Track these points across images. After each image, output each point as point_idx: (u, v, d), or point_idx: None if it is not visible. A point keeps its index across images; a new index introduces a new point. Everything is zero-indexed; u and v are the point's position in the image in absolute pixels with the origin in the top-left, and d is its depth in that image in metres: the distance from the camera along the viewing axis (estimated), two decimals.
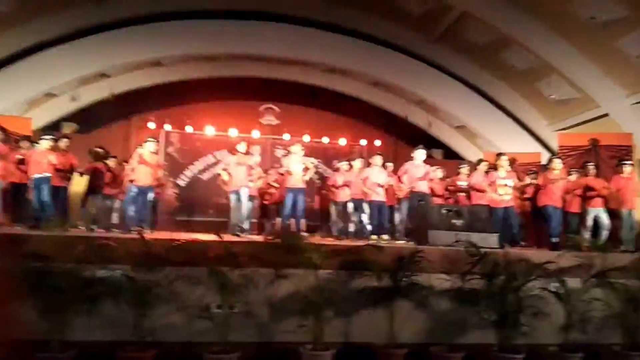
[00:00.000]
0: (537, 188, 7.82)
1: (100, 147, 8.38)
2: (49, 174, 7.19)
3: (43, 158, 7.19)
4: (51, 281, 4.21)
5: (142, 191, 7.51)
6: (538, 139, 12.21)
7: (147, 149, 7.60)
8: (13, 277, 4.19)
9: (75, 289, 4.24)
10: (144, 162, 7.47)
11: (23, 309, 4.29)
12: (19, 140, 8.08)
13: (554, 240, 7.21)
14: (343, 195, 8.48)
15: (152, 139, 7.78)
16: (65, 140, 7.97)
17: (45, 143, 7.34)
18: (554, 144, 10.91)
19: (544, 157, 10.78)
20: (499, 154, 7.70)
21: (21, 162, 7.49)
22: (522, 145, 11.77)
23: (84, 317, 4.35)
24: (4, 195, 7.48)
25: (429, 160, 8.57)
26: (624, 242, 7.24)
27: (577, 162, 9.35)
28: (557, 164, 7.64)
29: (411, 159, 7.81)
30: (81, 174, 8.00)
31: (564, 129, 11.28)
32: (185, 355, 4.29)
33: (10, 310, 4.22)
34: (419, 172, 7.60)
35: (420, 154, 7.75)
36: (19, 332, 4.20)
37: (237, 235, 7.00)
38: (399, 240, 7.77)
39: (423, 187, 7.59)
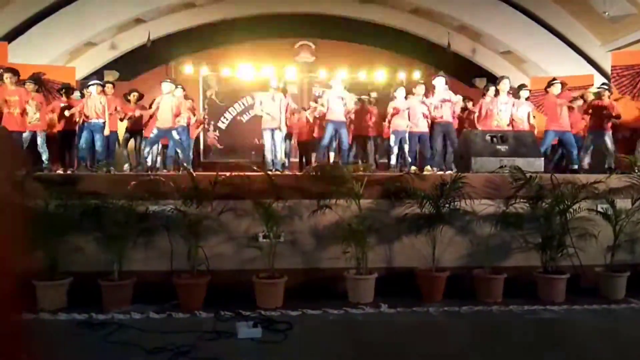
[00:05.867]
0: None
1: (135, 91, 8.57)
2: (103, 120, 7.43)
3: (96, 104, 7.41)
4: (108, 217, 4.49)
5: (162, 133, 7.29)
6: (590, 60, 11.43)
7: (163, 91, 7.35)
8: (71, 214, 4.50)
9: (131, 223, 4.53)
10: (158, 104, 7.28)
11: (84, 243, 4.64)
12: (60, 90, 8.28)
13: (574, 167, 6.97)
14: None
15: (167, 80, 7.54)
16: (110, 86, 8.16)
17: (95, 89, 7.52)
18: (607, 65, 10.21)
19: (597, 79, 10.14)
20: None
21: (65, 109, 7.71)
22: (573, 69, 11.07)
23: (141, 249, 4.67)
24: (50, 145, 7.71)
25: (474, 90, 8.25)
26: None
27: (632, 82, 8.77)
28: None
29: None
30: (121, 119, 8.23)
31: (617, 48, 10.48)
32: (236, 281, 4.53)
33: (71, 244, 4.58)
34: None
35: (440, 80, 7.57)
36: (82, 264, 4.56)
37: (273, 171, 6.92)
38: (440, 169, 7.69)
39: (447, 116, 7.51)
